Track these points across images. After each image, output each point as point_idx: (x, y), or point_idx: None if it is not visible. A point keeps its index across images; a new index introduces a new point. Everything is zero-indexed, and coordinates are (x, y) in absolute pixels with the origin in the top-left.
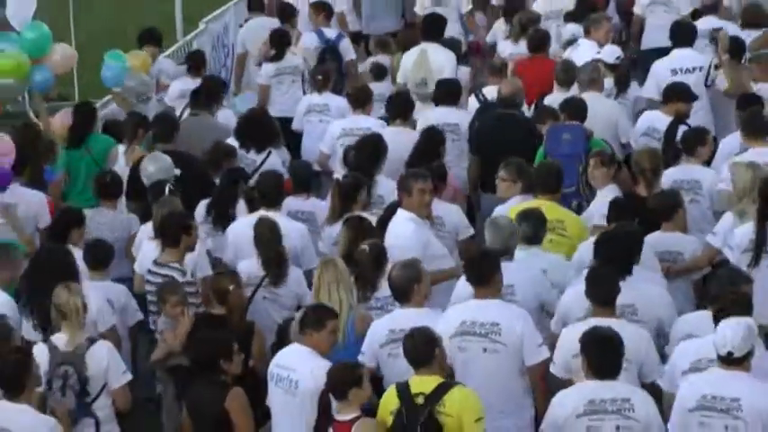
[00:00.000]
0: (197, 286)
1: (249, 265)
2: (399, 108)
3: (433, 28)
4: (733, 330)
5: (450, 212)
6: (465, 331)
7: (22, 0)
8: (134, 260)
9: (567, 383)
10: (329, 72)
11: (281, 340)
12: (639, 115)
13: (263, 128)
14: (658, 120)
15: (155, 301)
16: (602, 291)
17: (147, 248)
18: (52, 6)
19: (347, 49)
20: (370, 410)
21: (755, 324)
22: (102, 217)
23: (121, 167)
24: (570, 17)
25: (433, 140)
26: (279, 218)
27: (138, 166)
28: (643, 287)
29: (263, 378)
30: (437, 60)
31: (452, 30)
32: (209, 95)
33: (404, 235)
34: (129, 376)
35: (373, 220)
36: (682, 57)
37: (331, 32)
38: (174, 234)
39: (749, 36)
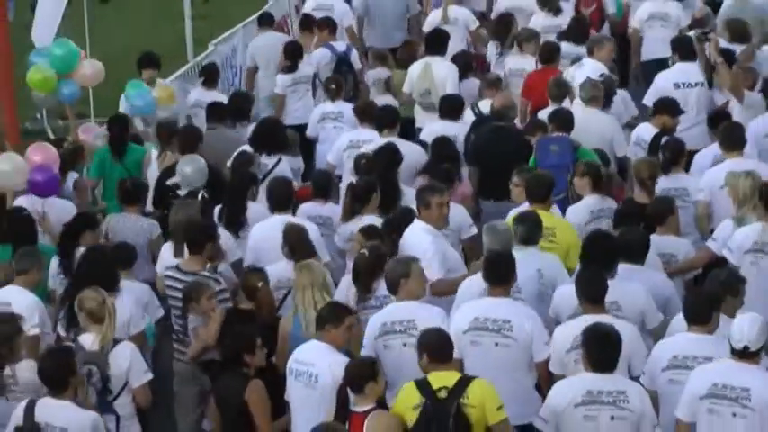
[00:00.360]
0: (227, 291)
1: (279, 269)
2: (386, 120)
3: (437, 43)
4: (750, 325)
5: (455, 211)
6: (478, 327)
7: (44, 22)
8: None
9: (561, 379)
10: (341, 81)
11: None
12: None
13: (274, 136)
14: (646, 131)
15: (178, 305)
16: (593, 289)
17: (165, 251)
18: (69, 27)
19: (356, 61)
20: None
21: None
22: (125, 221)
23: (153, 172)
24: (564, 36)
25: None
26: (292, 218)
27: (167, 173)
28: (625, 285)
29: (284, 373)
30: (440, 73)
31: (460, 46)
32: (238, 111)
33: (422, 246)
34: (149, 375)
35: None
36: (685, 71)
37: (340, 45)
38: (200, 242)
39: (736, 50)
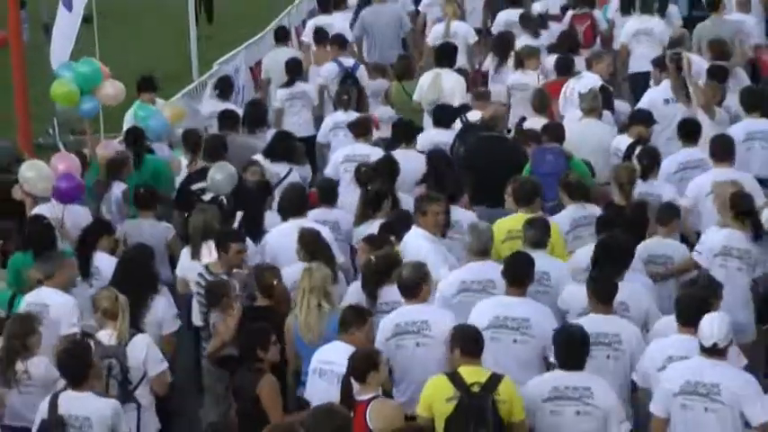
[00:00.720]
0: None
1: (295, 271)
2: (401, 134)
3: (445, 55)
4: (719, 324)
5: (466, 217)
6: (498, 324)
7: (60, 43)
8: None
9: None
10: (351, 93)
11: None
12: None
13: (287, 148)
14: (622, 141)
15: (203, 302)
16: (604, 291)
17: (183, 254)
18: (80, 48)
19: (363, 76)
20: None
21: None
22: (140, 226)
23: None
24: (554, 49)
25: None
26: (306, 223)
27: (190, 178)
28: (632, 287)
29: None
30: (449, 83)
31: (460, 60)
32: (255, 118)
33: (422, 251)
34: (165, 364)
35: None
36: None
37: (348, 61)
38: (225, 245)
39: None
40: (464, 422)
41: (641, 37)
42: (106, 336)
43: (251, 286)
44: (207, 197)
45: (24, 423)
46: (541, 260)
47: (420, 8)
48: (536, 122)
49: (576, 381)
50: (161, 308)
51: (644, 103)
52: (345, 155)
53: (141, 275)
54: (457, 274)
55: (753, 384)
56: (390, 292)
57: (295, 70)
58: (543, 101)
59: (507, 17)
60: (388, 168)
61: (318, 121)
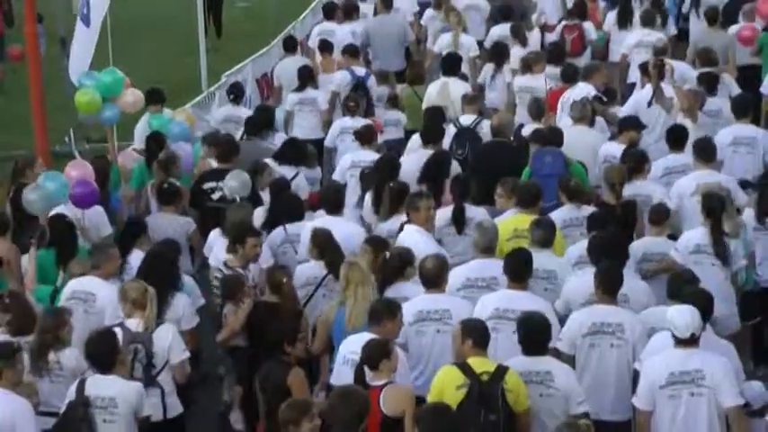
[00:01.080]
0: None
1: (308, 268)
2: (430, 135)
3: (452, 65)
4: (692, 316)
5: (478, 214)
6: (499, 316)
7: (78, 58)
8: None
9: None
10: (358, 100)
11: None
12: None
13: (296, 152)
14: (613, 147)
15: (218, 294)
16: (611, 283)
17: (218, 247)
18: (96, 60)
19: (373, 85)
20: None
21: None
22: (162, 220)
23: None
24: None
25: (442, 160)
26: (338, 223)
27: (202, 178)
28: (632, 281)
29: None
30: (456, 91)
31: (462, 69)
32: (263, 123)
33: (419, 246)
34: (187, 354)
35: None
36: None
37: (360, 70)
38: (241, 240)
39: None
40: (475, 408)
41: (641, 48)
42: (134, 324)
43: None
44: (216, 196)
45: (53, 410)
46: (549, 259)
47: (422, 21)
48: (532, 128)
49: (538, 366)
50: (181, 305)
51: (629, 105)
52: (352, 161)
53: (165, 271)
54: (462, 270)
55: (728, 367)
56: (401, 289)
57: (307, 77)
58: (540, 109)
59: (501, 31)
60: (387, 167)
61: (328, 125)
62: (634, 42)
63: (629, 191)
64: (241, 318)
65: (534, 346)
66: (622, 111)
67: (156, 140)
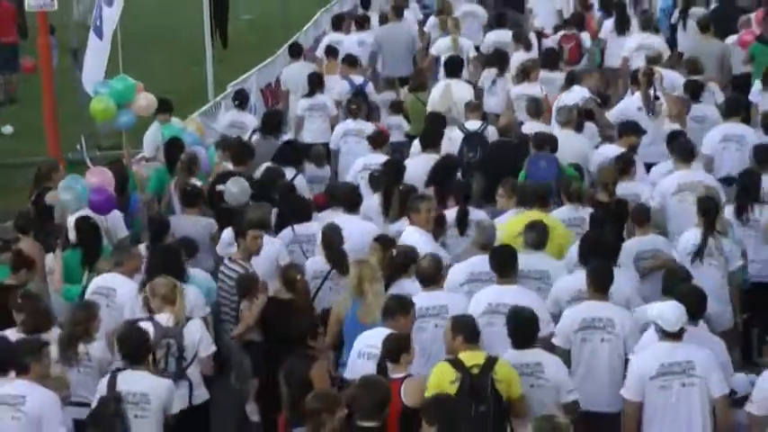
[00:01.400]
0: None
1: (317, 262)
2: (429, 139)
3: (454, 68)
4: (679, 311)
5: (479, 216)
6: (492, 311)
7: (91, 69)
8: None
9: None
10: (360, 104)
11: None
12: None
13: (294, 152)
14: (611, 150)
15: (225, 288)
16: (601, 278)
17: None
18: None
19: (372, 92)
20: None
21: None
22: (185, 221)
23: None
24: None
25: (449, 165)
26: (350, 220)
27: (218, 179)
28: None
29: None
30: (459, 92)
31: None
32: (271, 125)
33: (419, 246)
34: (214, 348)
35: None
36: None
37: (358, 79)
38: (242, 233)
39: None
40: (467, 401)
41: (641, 52)
42: (164, 318)
43: None
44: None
45: (80, 399)
46: (541, 260)
47: (426, 29)
48: (532, 127)
49: (528, 358)
50: (192, 298)
51: (618, 110)
52: (364, 164)
53: (169, 266)
54: (465, 265)
55: (713, 358)
56: (405, 286)
57: (316, 83)
58: (539, 107)
59: (497, 37)
60: (393, 170)
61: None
62: (635, 46)
63: (617, 191)
64: (255, 313)
65: (523, 339)
66: (611, 115)
67: (176, 146)
